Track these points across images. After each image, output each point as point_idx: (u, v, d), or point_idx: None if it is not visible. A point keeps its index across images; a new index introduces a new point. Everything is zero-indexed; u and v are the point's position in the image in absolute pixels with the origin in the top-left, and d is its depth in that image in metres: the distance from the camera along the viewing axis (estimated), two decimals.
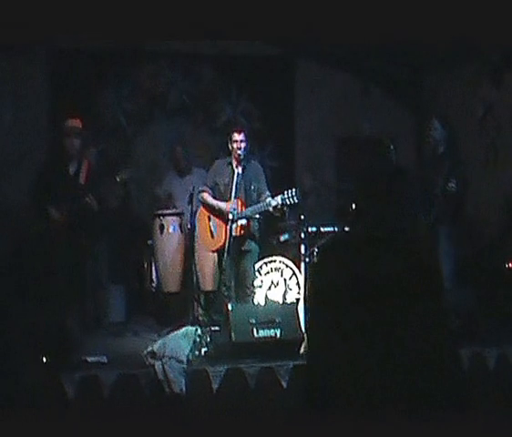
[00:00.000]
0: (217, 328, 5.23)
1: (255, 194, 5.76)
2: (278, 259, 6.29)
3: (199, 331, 4.97)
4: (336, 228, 6.16)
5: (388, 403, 1.98)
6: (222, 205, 5.68)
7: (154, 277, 6.59)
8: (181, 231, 6.36)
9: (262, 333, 4.89)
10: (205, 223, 5.86)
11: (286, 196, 5.45)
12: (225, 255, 5.50)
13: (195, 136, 7.93)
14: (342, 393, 2.03)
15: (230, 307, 5.05)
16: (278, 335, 4.90)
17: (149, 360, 4.58)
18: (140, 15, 5.56)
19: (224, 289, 5.60)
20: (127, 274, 6.99)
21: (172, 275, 6.36)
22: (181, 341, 4.78)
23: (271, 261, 6.27)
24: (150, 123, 7.96)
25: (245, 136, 5.70)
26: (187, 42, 7.20)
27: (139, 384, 4.44)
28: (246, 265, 5.76)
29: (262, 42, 7.57)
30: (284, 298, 6.21)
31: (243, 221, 5.63)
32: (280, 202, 5.48)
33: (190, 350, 4.74)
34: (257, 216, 5.72)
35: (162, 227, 6.34)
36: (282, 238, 6.51)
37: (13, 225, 6.52)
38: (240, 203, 5.64)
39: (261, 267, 6.17)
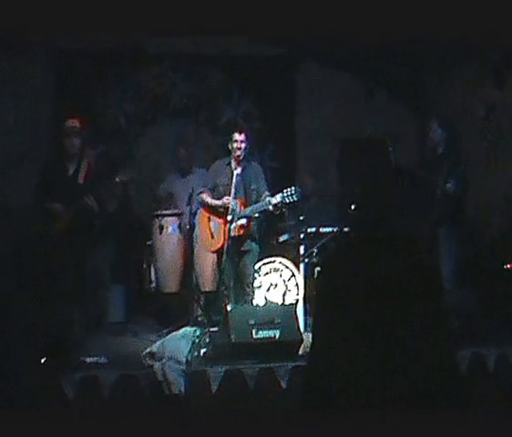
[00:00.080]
0: (216, 328, 5.23)
1: (255, 194, 5.75)
2: (277, 259, 6.29)
3: (198, 332, 4.97)
4: (335, 229, 6.16)
5: (388, 403, 1.98)
6: (219, 201, 5.67)
7: (153, 277, 6.58)
8: (181, 232, 6.35)
9: (262, 334, 4.88)
10: (205, 224, 5.86)
11: (286, 194, 5.44)
12: (224, 255, 5.50)
13: (197, 136, 7.93)
14: (341, 393, 2.03)
15: (229, 308, 5.05)
16: (277, 336, 4.90)
17: (149, 360, 4.58)
18: (140, 16, 5.56)
19: (224, 289, 5.60)
20: (126, 275, 6.97)
21: (172, 275, 6.35)
22: (180, 342, 4.78)
23: (270, 262, 6.26)
24: (152, 124, 7.95)
25: (246, 136, 5.70)
26: (188, 43, 7.19)
27: (139, 385, 4.44)
28: (246, 265, 5.75)
29: (263, 42, 7.57)
30: (283, 299, 6.21)
31: (243, 221, 5.63)
32: (279, 200, 5.47)
33: (190, 351, 4.74)
34: (257, 215, 5.72)
35: (162, 227, 6.33)
36: (282, 239, 6.50)
37: (13, 225, 6.50)
38: (239, 203, 5.64)
39: (260, 268, 6.17)
